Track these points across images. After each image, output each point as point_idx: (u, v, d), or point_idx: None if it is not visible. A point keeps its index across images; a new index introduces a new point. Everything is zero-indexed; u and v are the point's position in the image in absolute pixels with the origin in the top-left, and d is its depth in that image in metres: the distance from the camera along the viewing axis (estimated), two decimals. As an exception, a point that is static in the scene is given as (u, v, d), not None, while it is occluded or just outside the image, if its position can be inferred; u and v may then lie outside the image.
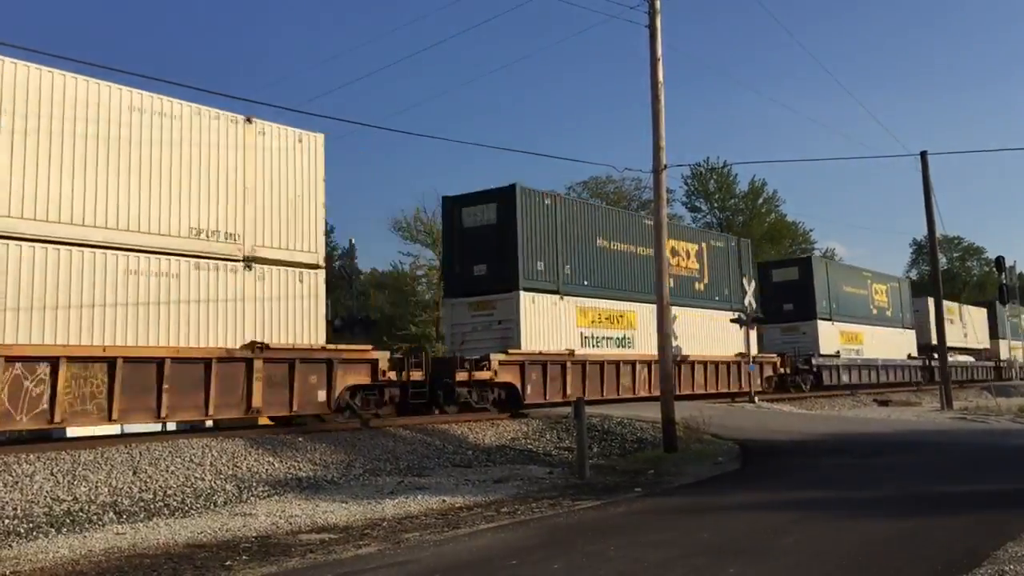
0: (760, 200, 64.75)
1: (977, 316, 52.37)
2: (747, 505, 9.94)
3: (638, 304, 23.69)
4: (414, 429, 16.45)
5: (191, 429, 16.28)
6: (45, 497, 10.38)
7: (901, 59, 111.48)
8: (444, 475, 13.46)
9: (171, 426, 16.72)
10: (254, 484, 12.00)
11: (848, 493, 10.76)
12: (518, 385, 19.53)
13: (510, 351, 19.46)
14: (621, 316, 23.39)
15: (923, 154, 30.65)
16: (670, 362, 16.81)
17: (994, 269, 53.33)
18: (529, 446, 16.78)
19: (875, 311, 39.82)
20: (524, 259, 20.39)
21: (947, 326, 43.13)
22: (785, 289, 34.70)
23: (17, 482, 10.57)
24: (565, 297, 21.49)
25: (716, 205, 64.54)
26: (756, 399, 26.13)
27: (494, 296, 20.50)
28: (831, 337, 34.67)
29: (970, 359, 48.55)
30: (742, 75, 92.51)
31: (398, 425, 16.58)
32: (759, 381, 28.17)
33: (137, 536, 8.98)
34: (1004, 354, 55.26)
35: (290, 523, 9.62)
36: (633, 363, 23.13)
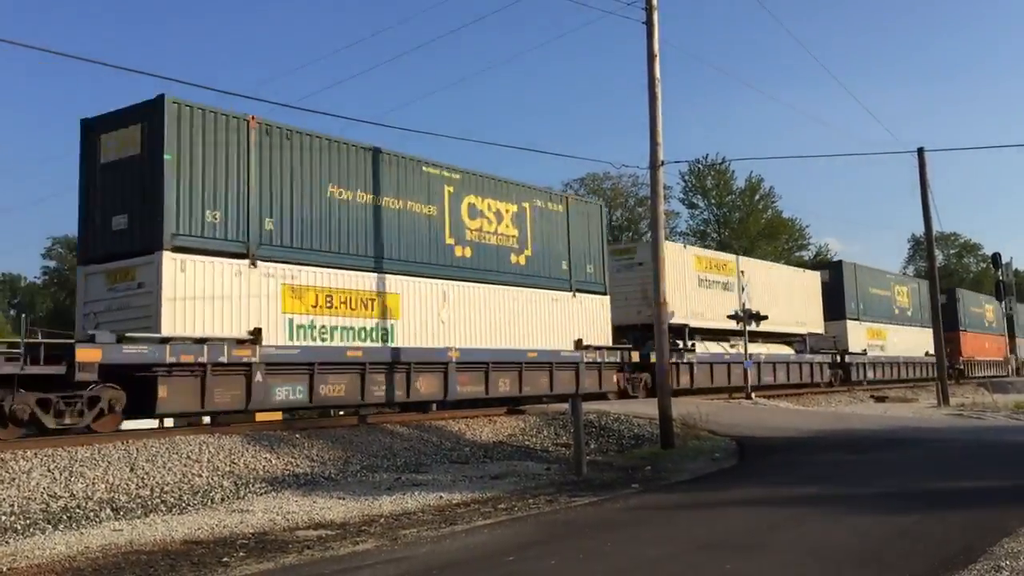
0: (757, 196, 64.80)
1: (799, 284, 34.05)
2: (744, 501, 9.95)
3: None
4: (411, 426, 16.47)
5: (189, 425, 16.26)
6: (42, 494, 10.37)
7: (899, 51, 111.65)
8: (441, 471, 13.46)
9: (168, 423, 16.74)
10: (251, 481, 11.99)
11: (845, 489, 10.77)
12: None
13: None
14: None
15: (920, 151, 30.63)
16: (666, 358, 16.84)
17: (991, 265, 53.36)
18: (526, 442, 16.77)
19: (479, 257, 19.44)
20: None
21: (705, 293, 28.20)
22: (121, 179, 14.60)
23: (14, 479, 10.56)
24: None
25: (713, 202, 64.60)
26: (753, 395, 26.14)
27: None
28: (262, 299, 15.10)
29: (783, 351, 32.35)
30: (740, 71, 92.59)
31: (395, 422, 16.58)
32: None
33: (134, 533, 8.97)
34: (854, 343, 37.00)
35: (287, 520, 9.62)
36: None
